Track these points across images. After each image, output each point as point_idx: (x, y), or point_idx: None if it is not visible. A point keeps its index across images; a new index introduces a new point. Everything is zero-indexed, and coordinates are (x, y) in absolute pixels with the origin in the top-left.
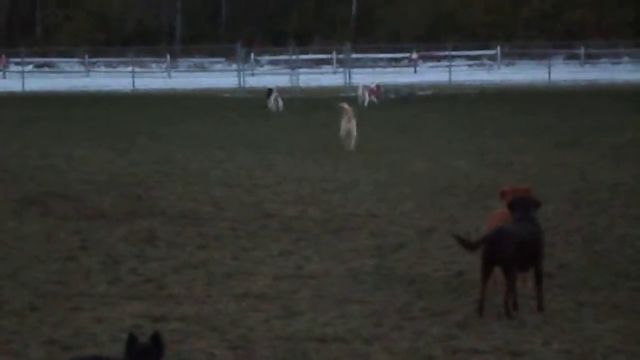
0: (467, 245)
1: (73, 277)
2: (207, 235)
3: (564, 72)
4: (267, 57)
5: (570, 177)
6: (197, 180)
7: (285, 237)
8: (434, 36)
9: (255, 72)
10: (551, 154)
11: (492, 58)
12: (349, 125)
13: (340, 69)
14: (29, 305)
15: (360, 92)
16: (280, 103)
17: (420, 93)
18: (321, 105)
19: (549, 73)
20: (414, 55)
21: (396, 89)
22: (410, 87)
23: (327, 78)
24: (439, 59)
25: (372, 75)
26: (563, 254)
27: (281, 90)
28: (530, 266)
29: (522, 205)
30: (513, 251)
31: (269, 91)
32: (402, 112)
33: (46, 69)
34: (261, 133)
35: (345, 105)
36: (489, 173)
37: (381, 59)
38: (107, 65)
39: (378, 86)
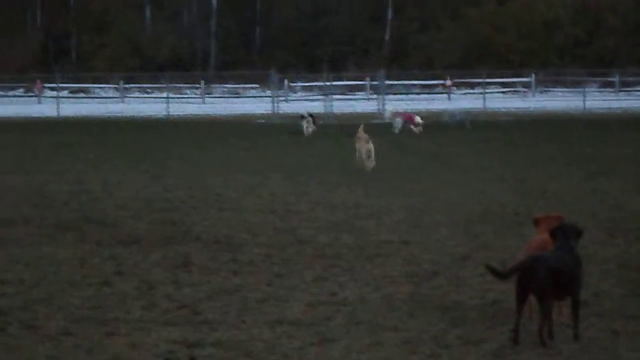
0: (499, 274)
1: (108, 303)
2: (241, 261)
3: (598, 100)
4: (300, 84)
5: (605, 205)
6: (231, 206)
7: (319, 264)
8: (468, 63)
9: (288, 98)
10: (586, 182)
11: (526, 85)
12: (367, 146)
13: (374, 96)
14: (64, 330)
15: (388, 115)
16: (312, 128)
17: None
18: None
19: (584, 101)
20: (448, 82)
21: (450, 113)
22: (466, 111)
23: (360, 104)
24: (472, 86)
25: (405, 102)
26: (598, 283)
27: (314, 116)
28: (566, 295)
29: (563, 234)
30: (547, 280)
31: (302, 116)
32: (435, 139)
33: (81, 94)
34: (295, 159)
35: (361, 131)
36: (524, 201)
37: (415, 86)
38: (142, 91)
39: (410, 115)
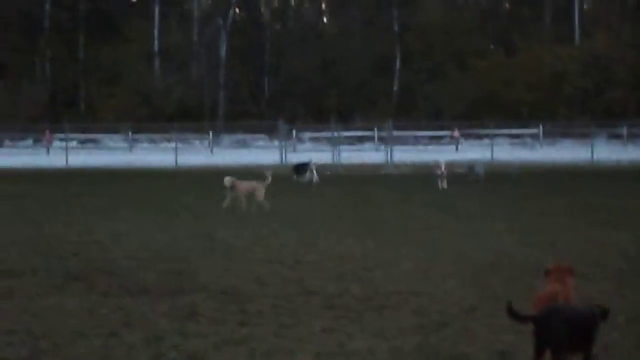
0: (517, 317)
1: (115, 353)
2: (249, 311)
3: (606, 152)
4: (308, 134)
5: (613, 257)
6: (239, 257)
7: (327, 315)
8: (476, 114)
9: (297, 148)
10: (594, 233)
11: (534, 136)
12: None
13: (382, 146)
14: None
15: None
16: (316, 176)
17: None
18: (363, 182)
19: (592, 152)
20: (456, 133)
21: (469, 165)
22: (483, 162)
23: (369, 155)
24: (480, 137)
25: (414, 152)
26: (607, 335)
27: (318, 165)
28: (580, 350)
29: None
30: (564, 333)
31: (304, 165)
32: (443, 190)
33: (90, 144)
34: (304, 210)
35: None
36: (532, 252)
37: (422, 137)
38: (150, 141)
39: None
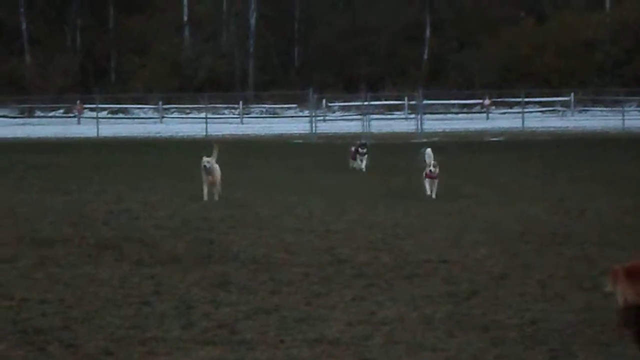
0: None
1: (147, 322)
2: (280, 280)
3: (637, 119)
4: (338, 103)
5: None
6: (270, 226)
7: (357, 283)
8: (507, 82)
9: (327, 117)
10: (625, 201)
11: (565, 104)
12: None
13: (412, 115)
14: (104, 350)
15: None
16: (365, 162)
17: (493, 139)
18: (392, 152)
19: (623, 120)
20: (487, 102)
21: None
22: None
23: (398, 124)
24: (511, 105)
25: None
26: None
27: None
28: None
29: None
30: None
31: (361, 146)
32: (473, 159)
33: (120, 115)
34: (333, 179)
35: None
36: (563, 220)
37: (453, 105)
38: (181, 111)
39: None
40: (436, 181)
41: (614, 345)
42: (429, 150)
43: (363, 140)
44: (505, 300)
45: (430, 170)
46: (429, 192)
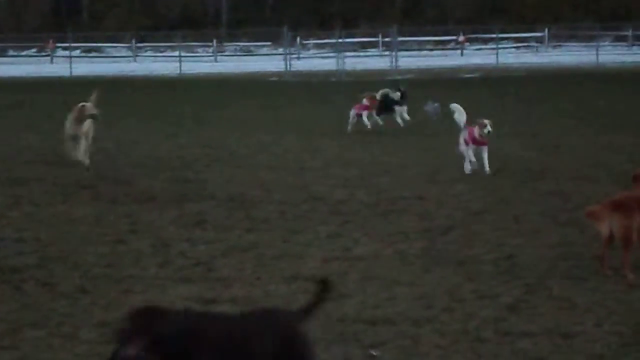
0: None
1: (123, 260)
2: (256, 218)
3: (612, 54)
4: (313, 41)
5: (618, 159)
6: (245, 164)
7: (333, 220)
8: (481, 18)
9: (301, 55)
10: (599, 136)
11: (539, 40)
12: (77, 128)
13: (387, 52)
14: (80, 288)
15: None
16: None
17: (467, 76)
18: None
19: (597, 55)
20: (461, 38)
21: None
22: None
23: (373, 61)
24: (485, 41)
25: (418, 59)
26: None
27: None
28: None
29: None
30: None
31: (401, 94)
32: (449, 96)
33: (93, 53)
34: (308, 117)
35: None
36: (538, 156)
37: (428, 42)
38: (154, 50)
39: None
40: (486, 148)
41: (588, 279)
42: (458, 105)
43: (400, 87)
44: (481, 235)
45: (481, 135)
46: (470, 166)
